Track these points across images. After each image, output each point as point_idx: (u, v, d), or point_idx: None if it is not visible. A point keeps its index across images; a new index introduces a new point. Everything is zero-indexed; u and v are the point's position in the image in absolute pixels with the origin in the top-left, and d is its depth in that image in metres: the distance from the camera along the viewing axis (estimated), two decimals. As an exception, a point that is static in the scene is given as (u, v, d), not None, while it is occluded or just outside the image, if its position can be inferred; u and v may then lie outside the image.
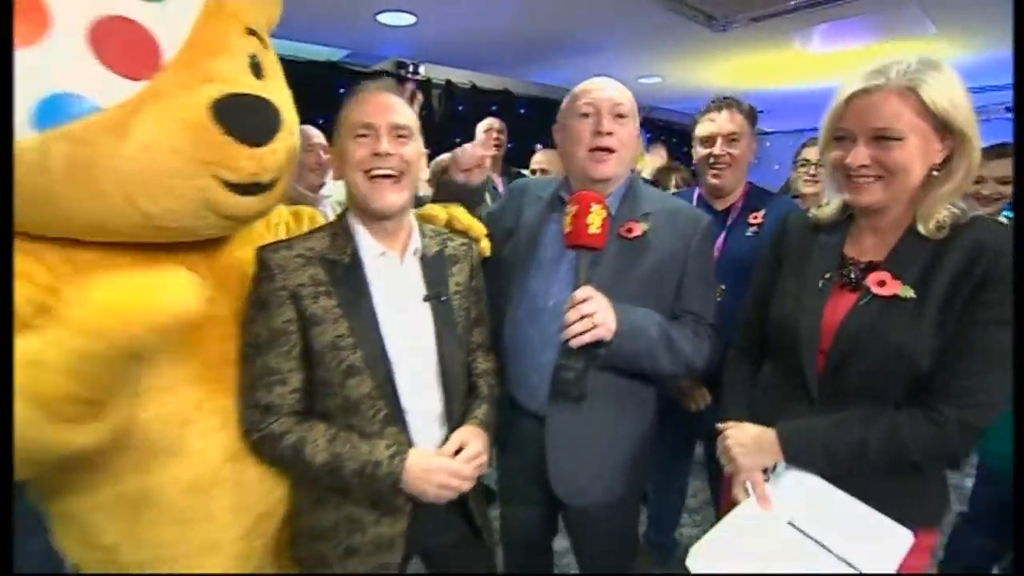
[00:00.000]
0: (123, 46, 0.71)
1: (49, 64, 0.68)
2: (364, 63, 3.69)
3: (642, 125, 3.62)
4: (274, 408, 0.87)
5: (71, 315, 0.63)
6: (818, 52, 3.33)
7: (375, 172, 0.88)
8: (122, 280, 0.65)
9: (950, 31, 2.94)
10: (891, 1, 2.42)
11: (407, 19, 2.50)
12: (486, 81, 4.33)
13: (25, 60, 0.66)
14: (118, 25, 0.71)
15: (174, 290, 0.65)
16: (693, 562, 0.88)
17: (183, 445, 0.85)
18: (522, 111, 4.55)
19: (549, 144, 1.77)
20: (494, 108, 4.27)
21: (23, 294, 0.71)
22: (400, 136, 0.90)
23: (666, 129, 5.62)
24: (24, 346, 0.62)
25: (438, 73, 4.06)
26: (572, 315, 0.95)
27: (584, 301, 0.95)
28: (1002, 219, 1.76)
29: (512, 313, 1.12)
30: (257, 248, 0.90)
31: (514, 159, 3.17)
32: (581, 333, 0.94)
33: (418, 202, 1.18)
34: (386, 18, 2.50)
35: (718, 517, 0.97)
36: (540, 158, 2.27)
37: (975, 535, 1.57)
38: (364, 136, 0.88)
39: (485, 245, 1.16)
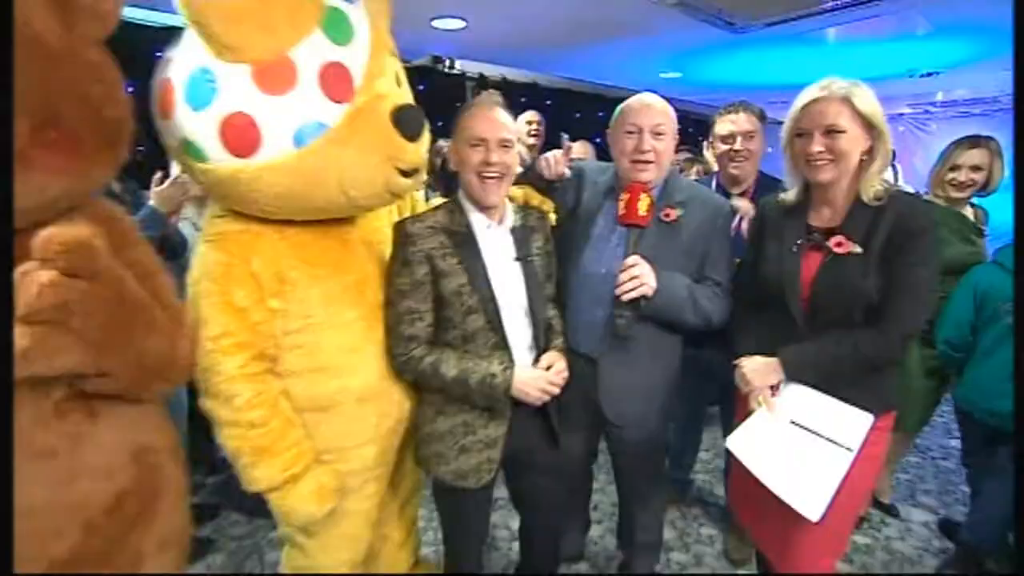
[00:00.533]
0: (336, 80, 1.02)
1: (297, 103, 0.99)
2: (407, 59, 4.00)
3: None
4: (415, 338, 1.21)
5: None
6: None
7: (485, 175, 1.19)
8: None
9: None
10: (891, 8, 2.69)
11: (458, 24, 2.83)
12: (515, 75, 4.64)
13: (283, 102, 0.98)
14: (334, 67, 1.02)
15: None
16: (731, 444, 1.24)
17: (353, 367, 1.20)
18: (548, 102, 4.84)
19: (575, 134, 1.98)
20: (523, 100, 4.58)
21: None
22: (505, 146, 1.19)
23: (684, 119, 5.86)
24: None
25: (471, 68, 4.38)
26: (624, 276, 1.28)
27: (634, 266, 1.28)
28: (972, 203, 2.00)
29: (571, 276, 1.43)
30: (396, 223, 1.25)
31: (542, 147, 3.49)
32: (631, 289, 1.28)
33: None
34: (440, 23, 2.83)
35: (734, 426, 1.32)
36: (579, 149, 2.59)
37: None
38: (477, 146, 1.18)
39: (552, 218, 1.49)
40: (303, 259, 1.14)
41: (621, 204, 1.33)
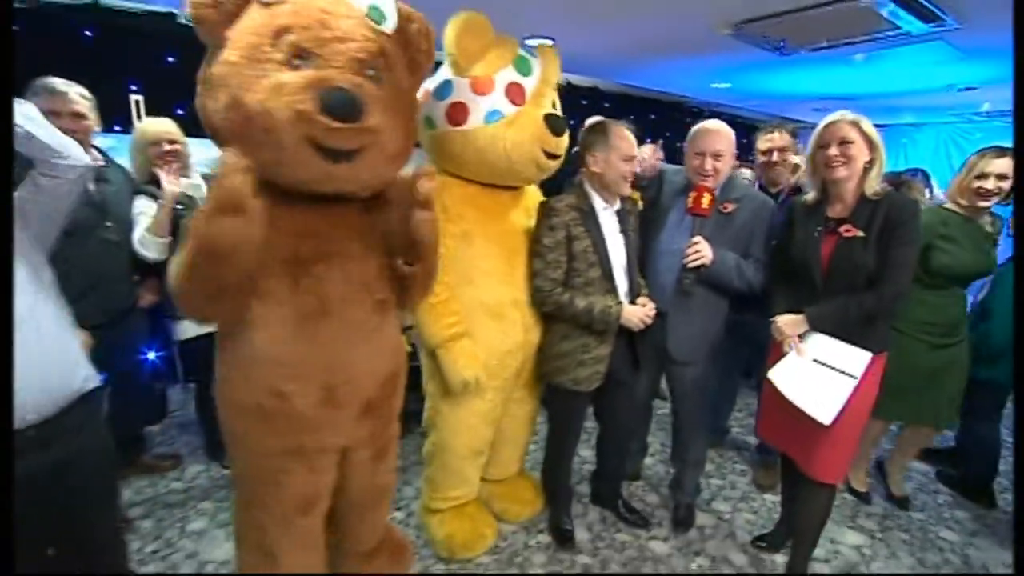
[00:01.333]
0: (515, 93, 1.67)
1: (493, 100, 1.65)
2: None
3: (709, 118, 4.64)
4: (555, 280, 1.77)
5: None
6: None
7: (628, 178, 1.78)
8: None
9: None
10: (922, 38, 3.11)
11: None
12: (577, 80, 5.14)
13: (485, 100, 1.65)
14: (514, 86, 1.68)
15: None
16: (772, 376, 1.69)
17: (488, 287, 1.78)
18: (607, 105, 5.34)
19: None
20: (584, 103, 5.09)
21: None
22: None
23: (730, 123, 6.27)
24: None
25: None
26: (690, 250, 1.81)
27: (697, 243, 1.81)
28: (993, 212, 2.12)
29: (651, 250, 1.95)
30: (541, 202, 1.83)
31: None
32: (695, 259, 1.82)
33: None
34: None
35: (766, 368, 1.81)
36: (646, 152, 3.12)
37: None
38: (628, 161, 1.76)
39: (639, 205, 2.04)
40: (474, 206, 1.77)
41: (690, 199, 1.86)
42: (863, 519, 2.30)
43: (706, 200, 1.84)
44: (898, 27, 2.88)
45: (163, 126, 2.21)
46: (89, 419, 1.30)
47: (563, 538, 2.05)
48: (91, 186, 1.91)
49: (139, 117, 2.91)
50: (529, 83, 1.72)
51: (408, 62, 1.30)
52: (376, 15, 1.20)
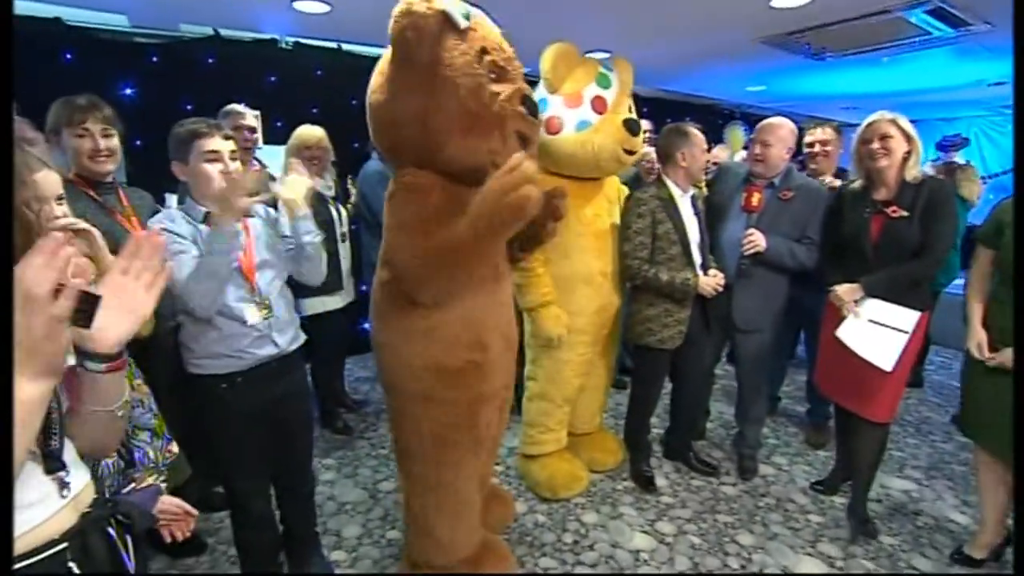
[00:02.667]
0: (598, 104, 2.04)
1: (581, 112, 2.02)
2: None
3: (742, 118, 5.27)
4: (643, 259, 2.12)
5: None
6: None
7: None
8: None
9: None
10: (947, 41, 3.38)
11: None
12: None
13: (575, 113, 2.01)
14: (599, 98, 2.04)
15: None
16: (839, 334, 1.96)
17: (582, 260, 2.16)
18: (645, 110, 5.67)
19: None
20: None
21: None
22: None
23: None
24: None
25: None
26: (746, 240, 2.15)
27: (751, 234, 2.15)
28: None
29: (719, 236, 2.29)
30: (629, 193, 2.19)
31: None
32: (750, 248, 2.15)
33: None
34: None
35: (825, 333, 2.12)
36: (716, 151, 3.51)
37: None
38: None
39: (704, 193, 2.41)
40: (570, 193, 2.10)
41: (743, 197, 2.22)
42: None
43: (755, 199, 2.21)
44: (928, 32, 3.16)
45: (316, 132, 2.61)
46: (299, 363, 1.68)
47: (647, 482, 2.38)
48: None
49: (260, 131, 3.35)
50: (609, 94, 2.09)
51: None
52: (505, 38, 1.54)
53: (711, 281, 2.14)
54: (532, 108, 1.42)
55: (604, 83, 2.09)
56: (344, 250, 2.72)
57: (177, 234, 1.39)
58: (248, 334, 1.47)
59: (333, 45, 3.67)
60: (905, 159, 1.90)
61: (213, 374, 1.46)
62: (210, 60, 3.30)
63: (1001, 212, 1.77)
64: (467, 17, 1.38)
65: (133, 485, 1.05)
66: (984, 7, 2.91)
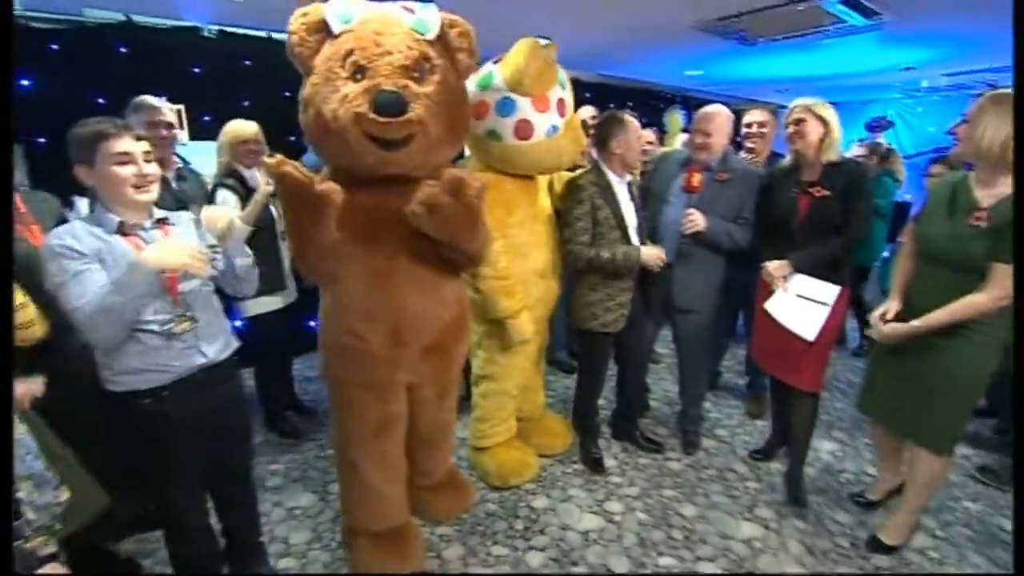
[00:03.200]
0: (562, 107, 2.03)
1: (550, 117, 1.98)
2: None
3: (684, 104, 5.43)
4: (585, 243, 2.14)
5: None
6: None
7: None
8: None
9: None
10: (871, 28, 3.58)
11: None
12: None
13: (545, 118, 1.97)
14: (561, 101, 2.03)
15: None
16: (767, 307, 2.09)
17: (533, 256, 2.15)
18: (587, 95, 5.71)
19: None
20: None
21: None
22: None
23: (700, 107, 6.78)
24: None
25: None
26: (686, 220, 2.21)
27: (691, 214, 2.21)
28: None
29: (659, 219, 2.34)
30: (568, 180, 2.21)
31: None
32: (690, 227, 2.20)
33: None
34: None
35: (758, 307, 2.24)
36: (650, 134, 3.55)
37: None
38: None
39: (638, 179, 2.46)
40: (523, 195, 2.13)
41: (683, 179, 2.29)
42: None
43: (696, 179, 2.27)
44: (844, 21, 3.33)
45: (251, 128, 2.47)
46: (232, 372, 1.61)
47: (595, 464, 2.45)
48: (174, 184, 2.20)
49: (181, 125, 3.15)
50: (567, 96, 2.07)
51: (453, 61, 1.60)
52: (420, 27, 1.52)
53: (653, 251, 2.17)
54: (383, 106, 1.38)
55: (563, 83, 2.05)
56: (284, 247, 2.61)
57: (79, 252, 1.26)
58: (171, 347, 1.39)
59: (263, 34, 3.50)
60: (821, 141, 2.00)
61: (134, 390, 1.37)
62: (123, 49, 3.07)
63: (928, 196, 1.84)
64: (347, 21, 1.44)
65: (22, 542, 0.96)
66: (893, -2, 3.09)
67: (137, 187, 1.34)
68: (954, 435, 1.77)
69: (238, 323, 2.57)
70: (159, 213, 1.44)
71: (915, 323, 1.68)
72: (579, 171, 2.29)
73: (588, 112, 3.80)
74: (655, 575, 1.88)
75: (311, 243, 1.44)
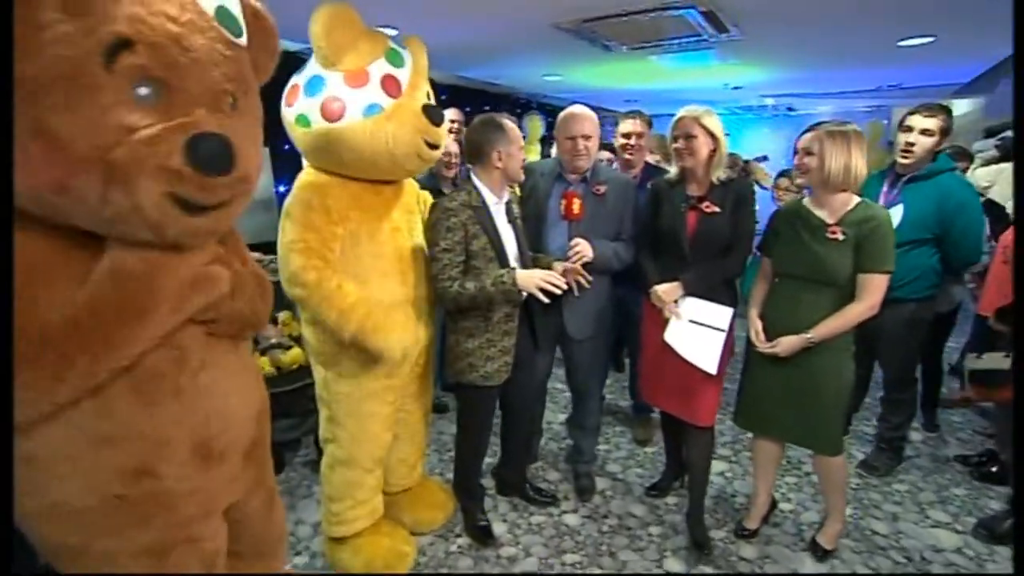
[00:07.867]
0: (391, 85, 1.57)
1: (369, 94, 1.53)
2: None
3: (541, 109, 5.24)
4: (454, 278, 1.71)
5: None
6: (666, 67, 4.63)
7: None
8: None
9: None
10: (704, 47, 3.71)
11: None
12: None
13: (361, 94, 1.53)
14: (389, 78, 1.57)
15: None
16: (667, 338, 1.85)
17: (382, 287, 1.68)
18: (443, 97, 5.33)
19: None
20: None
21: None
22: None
23: (551, 113, 6.77)
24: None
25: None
26: (572, 252, 1.90)
27: (577, 244, 1.91)
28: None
29: (540, 243, 2.02)
30: (434, 203, 1.76)
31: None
32: (577, 259, 1.89)
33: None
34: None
35: (645, 339, 2.03)
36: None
37: None
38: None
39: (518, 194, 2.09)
40: (359, 205, 1.65)
41: (563, 206, 1.98)
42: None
43: (576, 206, 1.99)
44: (699, 35, 3.38)
45: None
46: None
47: (484, 534, 2.03)
48: None
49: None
50: (403, 75, 1.63)
51: (253, 63, 1.08)
52: (229, 21, 0.97)
53: (533, 276, 1.73)
54: (208, 160, 0.88)
55: (396, 61, 1.63)
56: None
57: None
58: None
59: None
60: (711, 157, 1.83)
61: None
62: None
63: (774, 222, 1.91)
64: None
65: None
66: (743, 17, 3.17)
67: None
68: (839, 436, 1.85)
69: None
70: None
71: (808, 335, 1.72)
72: (451, 193, 1.87)
73: (451, 114, 3.41)
74: None
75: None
